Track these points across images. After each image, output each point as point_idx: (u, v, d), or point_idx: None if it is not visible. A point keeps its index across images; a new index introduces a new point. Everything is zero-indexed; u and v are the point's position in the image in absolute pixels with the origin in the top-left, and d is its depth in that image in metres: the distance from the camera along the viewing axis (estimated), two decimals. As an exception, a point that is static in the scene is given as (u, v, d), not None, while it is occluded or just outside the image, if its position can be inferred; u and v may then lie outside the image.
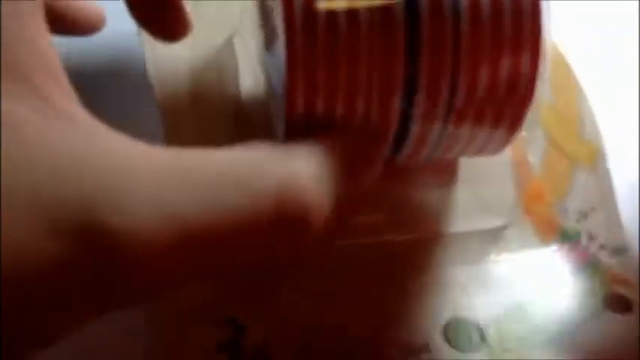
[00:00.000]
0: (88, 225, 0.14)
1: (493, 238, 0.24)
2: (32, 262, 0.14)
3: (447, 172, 0.25)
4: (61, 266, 0.14)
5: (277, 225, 0.16)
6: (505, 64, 0.20)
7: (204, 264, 0.16)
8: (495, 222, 0.24)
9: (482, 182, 0.25)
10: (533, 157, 0.26)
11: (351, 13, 0.19)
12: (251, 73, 0.26)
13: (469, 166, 0.25)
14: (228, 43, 0.26)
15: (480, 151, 0.22)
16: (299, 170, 0.17)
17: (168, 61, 0.26)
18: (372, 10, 0.19)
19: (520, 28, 0.20)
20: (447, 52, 0.19)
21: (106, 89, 0.27)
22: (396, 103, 0.20)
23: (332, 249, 0.23)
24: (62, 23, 0.25)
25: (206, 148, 0.17)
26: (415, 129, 0.21)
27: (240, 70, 0.26)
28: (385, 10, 0.19)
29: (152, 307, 0.21)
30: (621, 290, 0.24)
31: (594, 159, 0.26)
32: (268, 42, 0.23)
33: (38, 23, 0.16)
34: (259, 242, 0.17)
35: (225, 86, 0.26)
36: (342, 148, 0.19)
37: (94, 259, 0.14)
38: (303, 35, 0.19)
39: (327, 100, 0.19)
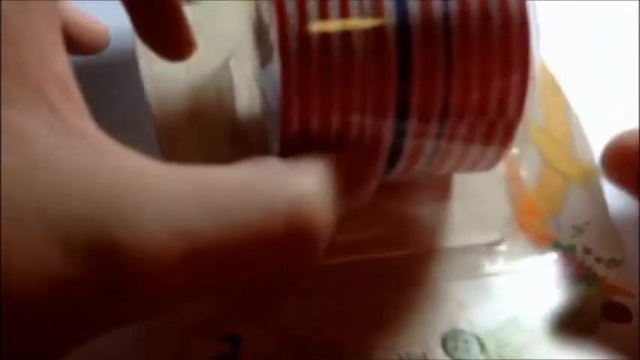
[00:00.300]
0: (97, 241, 0.14)
1: (488, 252, 0.25)
2: (41, 277, 0.14)
3: (441, 188, 0.25)
4: (71, 282, 0.14)
5: (287, 242, 0.17)
6: (495, 84, 0.20)
7: (213, 280, 0.16)
8: (490, 236, 0.25)
9: (477, 197, 0.25)
10: (528, 176, 0.26)
11: (345, 35, 0.19)
12: (247, 93, 0.26)
13: (464, 181, 0.25)
14: (225, 66, 0.27)
15: (473, 168, 0.23)
16: (308, 188, 0.17)
17: (166, 79, 0.27)
18: (364, 32, 0.20)
19: (509, 49, 0.20)
20: (439, 73, 0.20)
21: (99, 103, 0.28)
22: (390, 123, 0.20)
23: (328, 266, 0.23)
24: (66, 42, 0.25)
25: (207, 164, 0.17)
26: (408, 147, 0.21)
27: (237, 90, 0.26)
28: (377, 31, 0.20)
29: (155, 322, 0.21)
30: (620, 299, 0.24)
31: (587, 176, 0.26)
32: (264, 60, 0.23)
33: (53, 37, 0.16)
34: (268, 259, 0.17)
35: (222, 105, 0.26)
36: (339, 166, 0.19)
37: (104, 275, 0.14)
38: (297, 56, 0.19)
39: (322, 120, 0.20)
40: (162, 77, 0.27)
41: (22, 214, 0.14)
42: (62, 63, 0.16)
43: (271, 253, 0.17)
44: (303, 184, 0.18)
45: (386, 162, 0.21)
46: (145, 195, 0.15)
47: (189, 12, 0.28)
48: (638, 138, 0.24)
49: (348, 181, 0.19)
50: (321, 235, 0.17)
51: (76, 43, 0.26)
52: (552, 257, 0.25)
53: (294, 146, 0.20)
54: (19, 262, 0.14)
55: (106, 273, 0.14)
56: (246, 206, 0.16)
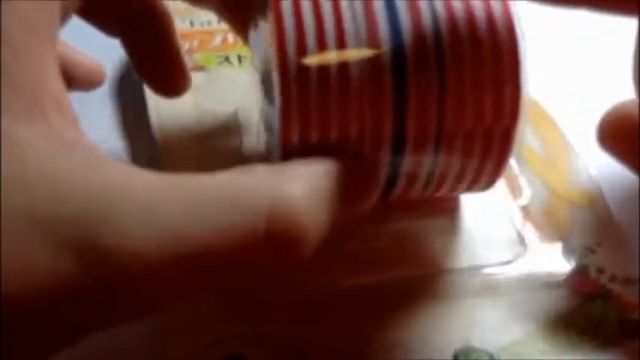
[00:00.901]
0: (87, 244, 0.15)
1: (500, 271, 0.24)
2: (32, 278, 0.14)
3: (449, 202, 0.25)
4: (61, 283, 0.15)
5: (267, 242, 0.17)
6: (488, 106, 0.21)
7: (198, 281, 0.17)
8: (502, 256, 0.24)
9: (487, 216, 0.25)
10: (536, 206, 0.26)
11: (342, 65, 0.20)
12: (254, 136, 0.27)
13: (472, 200, 0.25)
14: (234, 115, 0.28)
15: (472, 187, 0.23)
16: (291, 189, 0.18)
17: (172, 119, 0.28)
18: (361, 62, 0.21)
19: (500, 69, 0.21)
20: (433, 98, 0.21)
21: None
22: (386, 148, 0.21)
23: (339, 285, 0.23)
24: (64, 79, 0.26)
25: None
26: (405, 170, 0.22)
27: (244, 136, 0.28)
28: (373, 60, 0.21)
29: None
30: (636, 316, 0.23)
31: (592, 199, 0.27)
32: (268, 99, 0.24)
33: (51, 57, 0.18)
34: (251, 260, 0.17)
35: (227, 147, 0.27)
36: (335, 173, 0.20)
37: (93, 277, 0.15)
38: (296, 86, 0.20)
39: (320, 148, 0.21)
40: (170, 121, 0.28)
41: (15, 216, 0.14)
42: (57, 80, 0.18)
43: (253, 254, 0.17)
44: (287, 184, 0.18)
45: (384, 184, 0.22)
46: (133, 201, 0.16)
47: (197, 77, 0.30)
48: (639, 106, 0.23)
49: (344, 187, 0.20)
50: (303, 237, 0.17)
51: (69, 78, 0.26)
52: (565, 276, 0.24)
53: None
54: (10, 263, 0.14)
55: (96, 275, 0.15)
56: (228, 209, 0.17)
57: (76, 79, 0.27)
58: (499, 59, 0.21)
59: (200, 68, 0.31)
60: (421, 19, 0.21)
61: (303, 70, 0.20)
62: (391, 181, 0.22)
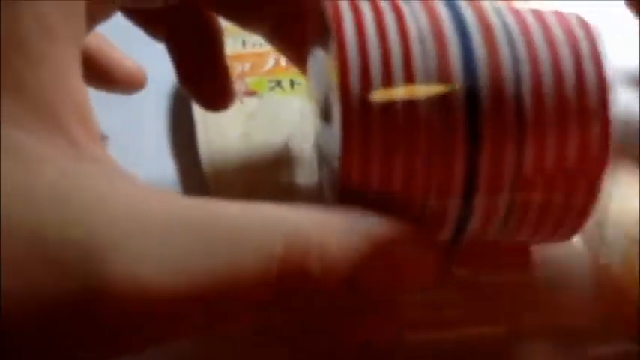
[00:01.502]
0: (93, 270, 0.14)
1: (574, 336, 0.22)
2: (32, 297, 0.14)
3: (522, 255, 0.23)
4: (63, 306, 0.14)
5: (279, 279, 0.16)
6: (572, 152, 0.19)
7: (208, 318, 0.16)
8: (576, 320, 0.22)
9: (561, 276, 0.23)
10: (611, 255, 0.24)
11: (409, 101, 0.19)
12: (305, 170, 0.26)
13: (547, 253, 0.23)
14: (285, 146, 0.27)
15: (551, 238, 0.21)
16: (310, 226, 0.17)
17: (222, 148, 0.27)
18: (430, 98, 0.19)
19: (586, 107, 0.19)
20: (511, 141, 0.19)
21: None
22: (457, 195, 0.19)
23: (409, 341, 0.22)
24: (101, 78, 0.26)
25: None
26: (476, 218, 0.20)
27: (296, 168, 0.26)
28: (444, 97, 0.19)
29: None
30: None
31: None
32: (325, 131, 0.23)
33: (74, 63, 0.17)
34: (263, 297, 0.16)
35: (279, 180, 0.26)
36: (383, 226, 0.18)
37: (97, 304, 0.14)
38: (359, 122, 0.19)
39: (383, 190, 0.19)
40: (219, 153, 0.27)
41: (22, 235, 0.14)
42: (80, 89, 0.17)
43: (262, 291, 0.16)
44: (306, 220, 0.17)
45: (452, 232, 0.20)
46: (145, 229, 0.15)
47: (249, 102, 0.29)
48: None
49: (393, 248, 0.18)
50: (317, 271, 0.16)
51: (110, 79, 0.26)
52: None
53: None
54: (12, 283, 0.14)
55: (99, 303, 0.14)
56: (243, 242, 0.16)
57: (114, 79, 0.26)
58: (584, 97, 0.19)
59: (252, 93, 0.30)
60: (498, 54, 0.19)
61: (368, 106, 0.19)
62: (460, 229, 0.20)
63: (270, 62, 0.32)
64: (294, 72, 0.31)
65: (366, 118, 0.19)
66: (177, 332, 0.16)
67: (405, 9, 0.20)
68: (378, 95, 0.19)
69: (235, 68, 0.32)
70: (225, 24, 0.35)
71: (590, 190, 0.20)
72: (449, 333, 0.22)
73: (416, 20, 0.20)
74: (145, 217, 0.15)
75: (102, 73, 0.26)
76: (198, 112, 0.28)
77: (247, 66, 0.32)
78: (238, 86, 0.30)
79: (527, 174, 0.19)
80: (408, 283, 0.19)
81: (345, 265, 0.17)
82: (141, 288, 0.15)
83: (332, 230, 0.17)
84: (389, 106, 0.19)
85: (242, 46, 0.33)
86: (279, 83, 0.30)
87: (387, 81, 0.19)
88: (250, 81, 0.31)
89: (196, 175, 0.26)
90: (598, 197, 0.20)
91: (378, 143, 0.19)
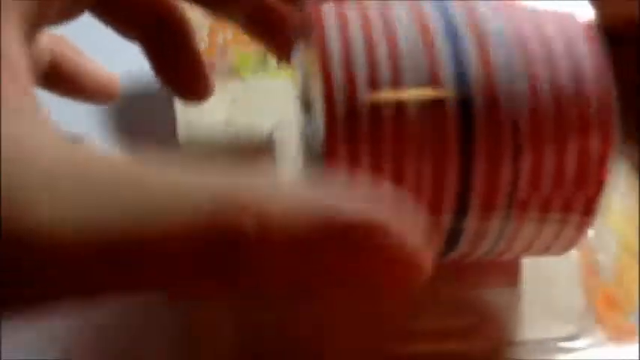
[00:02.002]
0: (8, 221, 0.14)
1: (563, 347, 0.22)
2: None
3: (509, 272, 0.23)
4: None
5: (206, 237, 0.14)
6: (571, 168, 0.18)
7: (123, 273, 0.15)
8: (566, 330, 0.22)
9: (550, 286, 0.23)
10: (603, 262, 0.24)
11: (398, 108, 0.18)
12: (289, 162, 0.25)
13: (534, 267, 0.23)
14: (269, 136, 0.26)
15: (546, 252, 0.21)
16: (252, 187, 0.15)
17: (203, 137, 0.26)
18: (420, 105, 0.18)
19: (586, 116, 0.18)
20: (506, 150, 0.18)
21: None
22: (449, 206, 0.18)
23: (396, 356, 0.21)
24: (69, 86, 0.25)
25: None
26: (469, 231, 0.19)
27: (279, 160, 0.25)
28: (436, 105, 0.18)
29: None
30: None
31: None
32: (310, 132, 0.22)
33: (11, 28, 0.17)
34: (181, 254, 0.14)
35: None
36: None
37: (10, 250, 0.14)
38: (344, 129, 0.18)
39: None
40: (200, 136, 0.26)
41: None
42: (13, 44, 0.17)
43: (178, 247, 0.14)
44: (240, 182, 0.15)
45: (443, 245, 0.19)
46: (59, 176, 0.15)
47: (232, 86, 0.28)
48: None
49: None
50: (252, 237, 0.14)
51: (79, 88, 0.25)
52: (635, 354, 0.22)
53: None
54: None
55: (5, 243, 0.14)
56: (155, 198, 0.15)
57: (86, 89, 0.25)
58: (585, 110, 0.18)
59: (236, 76, 0.28)
60: (492, 63, 0.18)
61: (353, 110, 0.17)
62: (451, 243, 0.19)
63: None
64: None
65: (351, 126, 0.18)
66: (92, 288, 0.15)
67: (393, 13, 0.19)
68: (366, 96, 0.18)
69: (217, 36, 0.30)
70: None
71: (588, 207, 0.19)
72: (437, 347, 0.22)
73: (405, 26, 0.19)
74: (61, 167, 0.15)
75: (68, 81, 0.25)
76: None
77: (230, 36, 0.30)
78: (220, 66, 0.29)
79: (523, 189, 0.18)
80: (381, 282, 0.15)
81: (290, 237, 0.14)
82: (50, 234, 0.14)
83: (282, 196, 0.15)
84: (376, 116, 0.18)
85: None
86: (264, 63, 0.29)
87: (375, 89, 0.18)
88: (235, 59, 0.29)
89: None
90: (595, 213, 0.19)
91: (364, 151, 0.18)
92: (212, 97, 0.27)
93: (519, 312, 0.22)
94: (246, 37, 0.30)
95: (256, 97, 0.27)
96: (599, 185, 0.19)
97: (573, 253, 0.23)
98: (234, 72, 0.29)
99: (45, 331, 0.22)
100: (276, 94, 0.27)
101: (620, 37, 0.19)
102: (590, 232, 0.23)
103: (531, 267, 0.23)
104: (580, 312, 0.23)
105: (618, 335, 0.22)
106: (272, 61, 0.29)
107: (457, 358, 0.21)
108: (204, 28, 0.30)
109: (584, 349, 0.22)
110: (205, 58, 0.28)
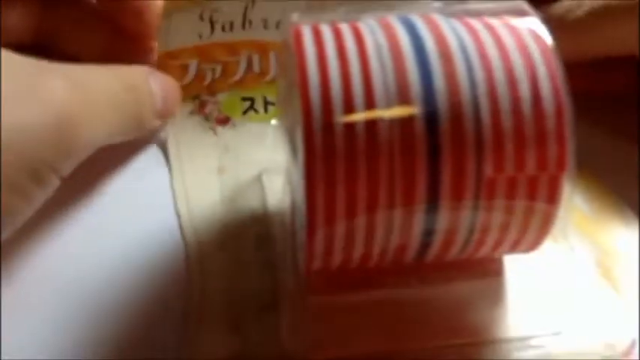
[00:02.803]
0: None
1: (548, 344, 0.23)
2: None
3: (491, 264, 0.24)
4: None
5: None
6: (531, 170, 0.20)
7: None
8: (551, 327, 0.23)
9: (533, 280, 0.24)
10: (587, 263, 0.25)
11: (370, 125, 0.19)
12: (277, 202, 0.26)
13: (516, 262, 0.24)
14: (257, 179, 0.27)
15: (516, 247, 0.22)
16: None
17: (197, 191, 0.27)
18: (391, 122, 0.19)
19: (543, 124, 0.20)
20: (470, 158, 0.20)
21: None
22: (420, 210, 0.20)
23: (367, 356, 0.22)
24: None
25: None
26: (440, 233, 0.21)
27: (267, 200, 0.27)
28: (405, 120, 0.19)
29: None
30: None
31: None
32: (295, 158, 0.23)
33: None
34: None
35: (251, 214, 0.26)
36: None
37: None
38: (322, 148, 0.19)
39: (348, 213, 0.20)
40: (195, 192, 0.27)
41: None
42: None
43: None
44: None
45: (417, 248, 0.21)
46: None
47: (224, 134, 0.29)
48: None
49: None
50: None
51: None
52: (623, 348, 0.23)
53: (320, 235, 0.20)
54: None
55: None
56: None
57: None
58: (541, 118, 0.20)
59: (226, 120, 0.30)
60: (456, 78, 0.20)
61: (330, 130, 0.19)
62: (425, 243, 0.21)
63: (243, 67, 0.32)
64: (265, 84, 0.31)
65: (328, 142, 0.19)
66: None
67: (366, 35, 0.20)
68: (340, 119, 0.19)
69: (205, 75, 0.31)
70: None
71: (551, 196, 0.20)
72: (418, 345, 0.23)
73: (377, 47, 0.20)
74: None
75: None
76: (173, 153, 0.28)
77: (218, 71, 0.31)
78: (210, 109, 0.30)
79: (487, 191, 0.20)
80: None
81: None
82: None
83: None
84: (350, 131, 0.19)
85: (210, 29, 0.32)
86: (252, 104, 0.30)
87: (348, 107, 0.19)
88: (223, 100, 0.30)
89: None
90: (560, 202, 0.20)
91: (340, 168, 0.19)
92: (205, 146, 0.28)
93: (502, 308, 0.23)
94: (233, 78, 0.31)
95: (246, 144, 0.29)
96: (560, 169, 0.20)
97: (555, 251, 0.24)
98: (224, 117, 0.30)
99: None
100: (265, 137, 0.29)
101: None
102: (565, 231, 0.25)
103: (513, 263, 0.24)
104: (563, 306, 0.23)
105: (602, 329, 0.23)
106: (259, 101, 0.30)
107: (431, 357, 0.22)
108: (193, 65, 0.31)
109: (569, 344, 0.23)
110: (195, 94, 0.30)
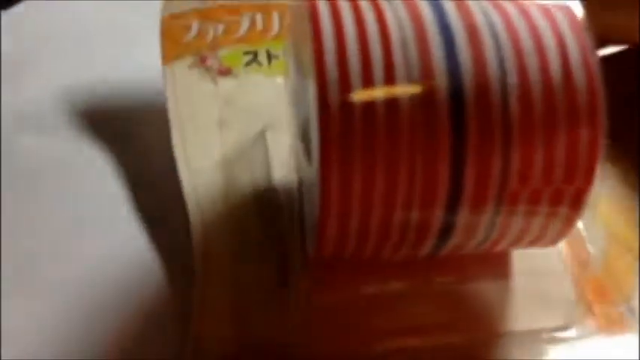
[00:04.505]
0: None
1: (554, 338, 0.22)
2: None
3: (500, 264, 0.23)
4: None
5: None
6: (561, 159, 0.19)
7: None
8: (556, 321, 0.22)
9: (540, 276, 0.23)
10: (594, 254, 0.24)
11: (391, 106, 0.18)
12: (282, 165, 0.25)
13: (524, 257, 0.23)
14: (261, 137, 0.26)
15: (535, 243, 0.21)
16: None
17: (199, 153, 0.26)
18: (412, 98, 0.18)
19: (576, 110, 0.18)
20: (497, 143, 0.18)
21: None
22: (441, 199, 0.19)
23: (376, 350, 0.21)
24: None
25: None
26: (460, 224, 0.19)
27: (272, 162, 0.25)
28: (427, 96, 0.18)
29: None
30: None
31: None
32: (303, 135, 0.22)
33: None
34: None
35: (254, 177, 0.25)
36: None
37: None
38: (338, 126, 0.18)
39: (364, 195, 0.18)
40: (195, 149, 0.26)
41: None
42: None
43: None
44: None
45: (436, 238, 0.20)
46: None
47: (224, 84, 0.28)
48: None
49: None
50: None
51: None
52: (626, 345, 0.22)
53: (333, 218, 0.19)
54: None
55: None
56: None
57: None
58: (574, 102, 0.18)
59: (227, 72, 0.28)
60: (484, 57, 0.18)
61: (347, 111, 0.18)
62: (443, 236, 0.20)
63: (245, 24, 0.31)
64: (269, 39, 0.30)
65: (345, 122, 0.18)
66: None
67: (386, 10, 0.19)
68: (358, 98, 0.18)
69: (207, 33, 0.30)
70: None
71: (577, 199, 0.19)
72: (433, 340, 0.22)
73: (398, 21, 0.19)
74: None
75: None
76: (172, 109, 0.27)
77: (220, 29, 0.30)
78: (211, 62, 0.29)
79: (513, 180, 0.19)
80: None
81: None
82: None
83: None
84: (369, 110, 0.18)
85: None
86: (255, 57, 0.29)
87: (368, 83, 0.18)
88: (224, 54, 0.29)
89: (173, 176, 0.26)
90: (584, 207, 0.20)
91: (358, 149, 0.18)
92: (205, 97, 0.27)
93: (509, 303, 0.22)
94: (237, 34, 0.30)
95: (248, 96, 0.27)
96: (588, 176, 0.19)
97: (563, 245, 0.24)
98: (224, 68, 0.29)
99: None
100: (269, 90, 0.27)
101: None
102: (579, 224, 0.24)
103: (521, 258, 0.23)
104: (570, 302, 0.23)
105: (608, 325, 0.22)
106: (262, 54, 0.29)
107: (445, 352, 0.22)
108: (195, 24, 0.30)
109: (574, 339, 0.22)
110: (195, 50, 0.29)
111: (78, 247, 0.25)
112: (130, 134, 0.29)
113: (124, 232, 0.25)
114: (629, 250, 0.24)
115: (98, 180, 0.27)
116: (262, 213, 0.24)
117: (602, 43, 0.26)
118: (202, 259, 0.23)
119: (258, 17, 0.31)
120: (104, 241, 0.25)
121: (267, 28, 0.30)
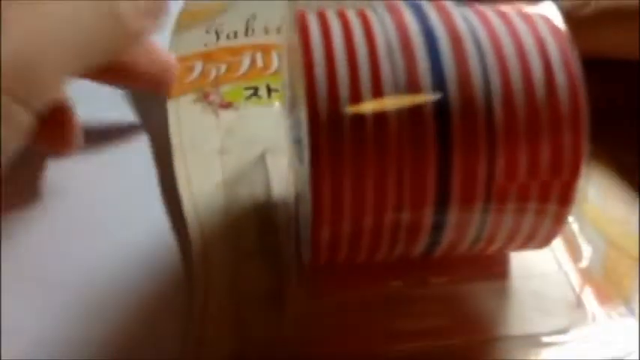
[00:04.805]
0: None
1: (553, 341, 0.22)
2: None
3: (498, 265, 0.23)
4: None
5: None
6: (545, 161, 0.19)
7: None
8: (556, 324, 0.22)
9: (540, 279, 0.23)
10: (592, 260, 0.24)
11: (379, 117, 0.19)
12: (281, 184, 0.26)
13: (523, 260, 0.23)
14: (260, 160, 0.27)
15: (525, 246, 0.21)
16: None
17: (200, 176, 0.26)
18: (399, 111, 0.19)
19: (558, 112, 0.19)
20: (482, 147, 0.19)
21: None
22: (429, 205, 0.19)
23: (385, 353, 0.22)
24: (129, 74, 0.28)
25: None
26: (450, 227, 0.20)
27: (271, 182, 0.26)
28: (414, 109, 0.19)
29: None
30: None
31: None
32: (299, 154, 0.23)
33: None
34: None
35: (254, 198, 0.26)
36: None
37: None
38: (328, 139, 0.19)
39: (355, 206, 0.19)
40: (196, 173, 0.26)
41: None
42: None
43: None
44: None
45: (426, 243, 0.20)
46: None
47: (226, 116, 0.29)
48: None
49: None
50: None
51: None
52: (627, 348, 0.22)
53: (325, 231, 0.19)
54: None
55: None
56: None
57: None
58: (556, 105, 0.19)
59: (228, 105, 0.29)
60: (468, 66, 0.19)
61: (336, 121, 0.19)
62: (433, 241, 0.20)
63: (246, 63, 0.32)
64: (269, 75, 0.31)
65: (335, 134, 0.19)
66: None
67: (373, 22, 0.20)
68: (347, 110, 0.19)
69: (210, 72, 0.31)
70: (194, 5, 0.34)
71: (565, 195, 0.20)
72: (430, 342, 0.22)
73: (385, 33, 0.20)
74: None
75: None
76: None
77: (223, 69, 0.31)
78: (213, 97, 0.30)
79: (499, 184, 0.19)
80: None
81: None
82: None
83: None
84: (358, 121, 0.19)
85: (215, 38, 0.33)
86: (256, 92, 0.30)
87: (355, 96, 0.19)
88: (226, 90, 0.30)
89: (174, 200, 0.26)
90: (572, 204, 0.20)
91: (348, 158, 0.19)
92: (208, 128, 0.28)
93: (507, 305, 0.23)
94: (238, 72, 0.31)
95: (249, 126, 0.28)
96: (574, 172, 0.19)
97: (560, 247, 0.24)
98: (225, 103, 0.30)
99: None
100: (268, 119, 0.28)
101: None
102: (575, 226, 0.24)
103: (520, 260, 0.23)
104: (570, 305, 0.23)
105: (608, 327, 0.22)
106: (263, 89, 0.30)
107: (438, 355, 0.22)
108: (198, 65, 0.31)
109: (573, 342, 0.22)
110: (198, 88, 0.30)
111: (78, 247, 0.25)
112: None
113: (124, 233, 0.25)
114: (627, 255, 0.24)
115: (98, 181, 0.28)
116: (261, 225, 0.25)
117: (604, 57, 0.27)
118: (203, 267, 0.24)
119: (259, 56, 0.32)
120: (104, 241, 0.25)
121: (267, 65, 0.31)
